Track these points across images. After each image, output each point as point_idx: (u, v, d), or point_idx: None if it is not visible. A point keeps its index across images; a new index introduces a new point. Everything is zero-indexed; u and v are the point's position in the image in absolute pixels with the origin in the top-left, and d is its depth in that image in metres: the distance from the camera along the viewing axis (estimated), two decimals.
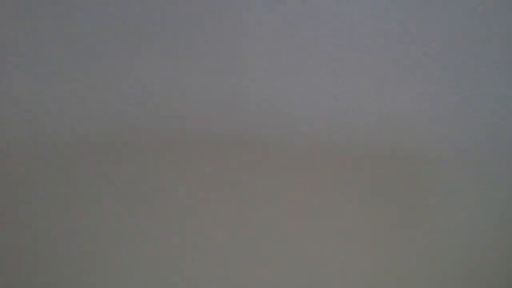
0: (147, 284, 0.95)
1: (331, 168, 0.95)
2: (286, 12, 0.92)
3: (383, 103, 0.95)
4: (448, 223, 0.98)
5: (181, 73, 0.92)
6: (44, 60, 0.90)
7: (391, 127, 0.95)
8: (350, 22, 0.93)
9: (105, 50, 0.91)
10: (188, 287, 0.96)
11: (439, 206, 0.97)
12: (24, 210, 0.92)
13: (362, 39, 0.94)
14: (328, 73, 0.94)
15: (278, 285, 0.97)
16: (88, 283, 0.94)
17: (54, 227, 0.93)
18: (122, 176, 0.93)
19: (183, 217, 0.94)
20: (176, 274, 0.95)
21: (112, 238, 0.94)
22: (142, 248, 0.95)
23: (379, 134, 0.95)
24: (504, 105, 0.97)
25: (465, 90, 0.96)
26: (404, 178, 0.96)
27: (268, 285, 0.97)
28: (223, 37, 0.92)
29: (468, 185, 0.98)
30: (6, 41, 0.89)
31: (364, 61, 0.94)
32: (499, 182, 0.98)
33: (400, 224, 0.97)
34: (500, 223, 0.99)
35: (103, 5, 0.90)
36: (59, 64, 0.90)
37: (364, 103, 0.95)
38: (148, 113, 0.92)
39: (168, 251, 0.95)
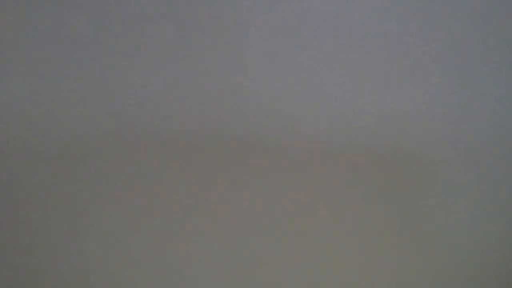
0: (147, 284, 0.95)
1: (331, 168, 0.95)
2: (286, 12, 0.92)
3: (383, 103, 0.95)
4: (448, 223, 0.98)
5: (181, 73, 0.92)
6: (44, 60, 0.90)
7: (391, 127, 0.95)
8: (350, 22, 0.93)
9: (105, 50, 0.91)
10: (188, 287, 0.96)
11: (439, 206, 0.97)
12: (24, 210, 0.92)
13: (362, 39, 0.94)
14: (328, 73, 0.94)
15: (278, 285, 0.97)
16: (88, 283, 0.94)
17: (54, 227, 0.93)
18: (122, 176, 0.93)
19: (183, 217, 0.94)
20: (176, 274, 0.95)
21: (112, 238, 0.94)
22: (142, 248, 0.95)
23: (379, 134, 0.95)
24: (504, 105, 0.97)
25: (465, 90, 0.96)
26: (404, 178, 0.96)
27: (268, 285, 0.97)
28: (223, 37, 0.92)
29: (468, 185, 0.97)
30: (6, 41, 0.89)
31: (364, 61, 0.94)
32: (499, 182, 0.98)
33: (400, 224, 0.97)
34: (500, 223, 0.99)
35: (103, 5, 0.90)
36: (59, 64, 0.90)
37: (364, 103, 0.95)
38: (148, 113, 0.92)
39: (168, 251, 0.95)
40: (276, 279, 0.97)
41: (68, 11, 0.89)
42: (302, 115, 0.94)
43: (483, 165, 0.97)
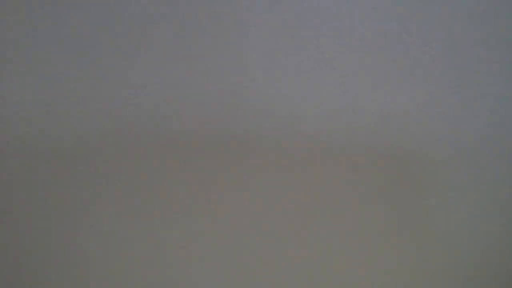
0: (147, 284, 0.95)
1: (331, 168, 0.95)
2: (286, 12, 0.92)
3: (383, 103, 0.95)
4: (448, 223, 0.98)
5: (181, 73, 0.92)
6: (44, 60, 0.90)
7: (391, 127, 0.95)
8: (350, 22, 0.93)
9: (105, 50, 0.91)
10: (188, 287, 0.96)
11: (439, 206, 0.97)
12: (24, 210, 0.92)
13: (362, 39, 0.94)
14: (328, 73, 0.94)
15: (278, 285, 0.97)
16: (88, 283, 0.94)
17: (54, 227, 0.93)
18: (122, 176, 0.93)
19: (183, 217, 0.94)
20: (176, 274, 0.95)
21: (111, 238, 0.94)
22: (142, 248, 0.95)
23: (379, 134, 0.95)
24: (504, 105, 0.97)
25: (465, 90, 0.96)
26: (404, 178, 0.96)
27: (268, 285, 0.97)
28: (223, 37, 0.92)
29: (468, 185, 0.97)
30: (6, 41, 0.89)
31: (364, 61, 0.94)
32: (499, 182, 0.98)
33: (400, 224, 0.97)
34: (500, 223, 0.99)
35: (103, 5, 0.90)
36: (59, 64, 0.90)
37: (364, 103, 0.95)
38: (148, 113, 0.92)
39: (168, 251, 0.95)
40: (276, 279, 0.97)
41: (68, 11, 0.89)
42: (302, 115, 0.94)
43: (483, 165, 0.97)
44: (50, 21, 0.89)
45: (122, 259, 0.94)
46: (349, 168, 0.95)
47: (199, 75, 0.92)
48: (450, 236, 0.98)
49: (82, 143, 0.91)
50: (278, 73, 0.93)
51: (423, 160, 0.96)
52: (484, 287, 0.99)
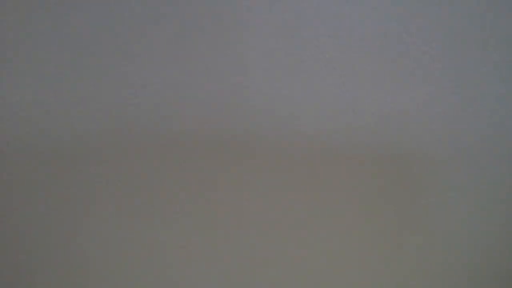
0: (147, 284, 0.95)
1: (331, 168, 0.95)
2: (286, 12, 0.92)
3: (383, 103, 0.95)
4: (448, 223, 0.98)
5: (181, 73, 0.92)
6: (44, 60, 0.90)
7: (391, 127, 0.95)
8: (350, 22, 0.93)
9: (105, 50, 0.91)
10: (188, 287, 0.96)
11: (439, 206, 0.97)
12: (24, 210, 0.92)
13: (362, 39, 0.94)
14: (328, 73, 0.94)
15: (278, 285, 0.97)
16: (88, 283, 0.94)
17: (54, 227, 0.93)
18: (122, 176, 0.93)
19: (183, 217, 0.94)
20: (176, 274, 0.95)
21: (111, 238, 0.94)
22: (142, 248, 0.95)
23: (379, 134, 0.95)
24: (504, 105, 0.97)
25: (465, 90, 0.96)
26: (404, 178, 0.96)
27: (268, 285, 0.97)
28: (223, 37, 0.92)
29: (468, 185, 0.97)
30: (6, 41, 0.89)
31: (364, 61, 0.94)
32: (499, 182, 0.98)
33: (400, 224, 0.97)
34: (500, 223, 0.99)
35: (103, 5, 0.90)
36: (59, 64, 0.90)
37: (364, 103, 0.95)
38: (148, 113, 0.92)
39: (168, 251, 0.95)
40: (276, 279, 0.97)
41: (68, 11, 0.89)
42: (302, 115, 0.94)
43: (483, 165, 0.97)
44: (50, 21, 0.89)
45: (122, 259, 0.94)
46: (349, 168, 0.95)
47: (199, 75, 0.92)
48: (450, 236, 0.98)
49: (82, 143, 0.91)
50: (278, 73, 0.93)
51: (423, 160, 0.96)
52: (484, 287, 0.99)
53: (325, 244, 0.97)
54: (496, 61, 0.96)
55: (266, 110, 0.93)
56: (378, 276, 0.98)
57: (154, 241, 0.94)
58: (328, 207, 0.96)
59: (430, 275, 0.99)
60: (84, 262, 0.94)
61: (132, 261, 0.94)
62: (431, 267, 0.99)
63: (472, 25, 0.95)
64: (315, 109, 0.94)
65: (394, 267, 0.98)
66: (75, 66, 0.90)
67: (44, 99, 0.91)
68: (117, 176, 0.93)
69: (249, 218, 0.95)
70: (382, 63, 0.94)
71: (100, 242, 0.94)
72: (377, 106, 0.95)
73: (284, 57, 0.93)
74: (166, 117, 0.92)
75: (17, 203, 0.92)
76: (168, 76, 0.92)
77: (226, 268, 0.96)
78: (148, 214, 0.94)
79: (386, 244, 0.98)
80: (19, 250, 0.93)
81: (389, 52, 0.94)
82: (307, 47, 0.93)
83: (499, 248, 0.99)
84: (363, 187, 0.96)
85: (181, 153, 0.93)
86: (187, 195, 0.94)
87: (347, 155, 0.95)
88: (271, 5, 0.92)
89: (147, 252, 0.95)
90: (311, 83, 0.94)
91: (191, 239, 0.95)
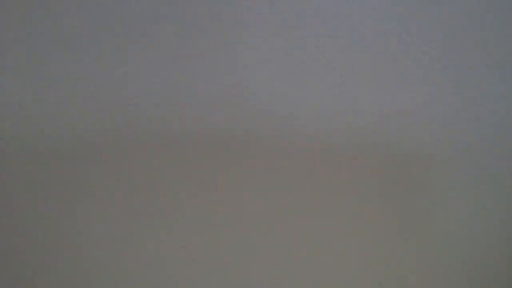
0: (147, 284, 0.95)
1: (331, 168, 0.95)
2: (286, 12, 0.92)
3: (383, 103, 0.95)
4: (448, 223, 0.98)
5: (181, 73, 0.92)
6: (44, 60, 0.90)
7: (391, 127, 0.95)
8: (350, 22, 0.93)
9: (105, 50, 0.91)
10: (188, 287, 0.96)
11: (439, 206, 0.97)
12: (24, 210, 0.92)
13: (362, 39, 0.94)
14: (328, 73, 0.94)
15: (278, 285, 0.97)
16: (88, 283, 0.94)
17: (54, 227, 0.93)
18: (122, 176, 0.93)
19: (183, 217, 0.94)
20: (176, 274, 0.95)
21: (111, 238, 0.94)
22: (142, 248, 0.95)
23: (379, 134, 0.95)
24: (504, 105, 0.97)
25: (465, 90, 0.96)
26: (404, 178, 0.96)
27: (268, 285, 0.97)
28: (223, 37, 0.92)
29: (468, 185, 0.97)
30: (6, 41, 0.89)
31: (364, 61, 0.94)
32: (499, 182, 0.98)
33: (400, 224, 0.97)
34: (500, 223, 0.99)
35: (103, 5, 0.90)
36: (59, 64, 0.90)
37: (364, 103, 0.95)
38: (148, 113, 0.92)
39: (167, 251, 0.95)
40: (276, 279, 0.97)
41: (68, 11, 0.89)
42: (302, 115, 0.94)
43: (483, 165, 0.97)
44: (50, 21, 0.89)
45: (122, 259, 0.94)
46: (349, 168, 0.95)
47: (200, 75, 0.92)
48: (450, 236, 0.98)
49: (82, 143, 0.91)
50: (278, 73, 0.93)
51: (423, 160, 0.96)
52: (484, 287, 0.99)
53: (325, 244, 0.97)
54: (496, 61, 0.96)
55: (266, 110, 0.93)
56: (378, 275, 0.98)
57: (154, 241, 0.94)
58: (328, 207, 0.96)
59: (430, 275, 0.99)
60: (84, 262, 0.94)
61: (132, 261, 0.94)
62: (431, 267, 0.99)
63: (472, 25, 0.95)
64: (315, 109, 0.94)
65: (394, 267, 0.98)
66: (75, 66, 0.90)
67: (44, 99, 0.91)
68: (117, 176, 0.92)
69: (249, 218, 0.95)
70: (382, 63, 0.94)
71: (100, 242, 0.93)
72: (377, 106, 0.95)
73: (284, 57, 0.93)
74: (166, 117, 0.92)
75: (17, 203, 0.92)
76: (168, 76, 0.92)
77: (226, 268, 0.96)
78: (148, 214, 0.94)
79: (386, 244, 0.98)
80: (19, 250, 0.93)
81: (389, 52, 0.94)
82: (307, 47, 0.93)
83: (499, 248, 0.99)
84: (363, 187, 0.96)
85: (181, 153, 0.93)
86: (187, 195, 0.94)
87: (347, 155, 0.95)
88: (271, 5, 0.92)
89: (147, 252, 0.95)
90: (311, 83, 0.94)
91: (191, 239, 0.95)
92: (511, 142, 0.97)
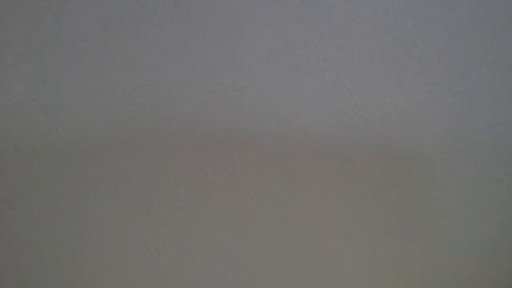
0: (147, 284, 0.95)
1: (331, 168, 0.95)
2: (286, 12, 0.92)
3: (383, 103, 0.95)
4: (447, 223, 0.98)
5: (180, 73, 0.92)
6: (44, 60, 0.90)
7: (391, 127, 0.95)
8: (350, 22, 0.93)
9: (104, 50, 0.91)
10: (188, 287, 0.96)
11: (438, 206, 0.97)
12: (24, 210, 0.92)
13: (362, 39, 0.94)
14: (328, 73, 0.94)
15: (278, 284, 0.97)
16: (88, 283, 0.94)
17: (54, 227, 0.93)
18: (122, 176, 0.93)
19: (183, 217, 0.94)
20: (176, 274, 0.95)
21: (111, 238, 0.94)
22: (142, 248, 0.95)
23: (379, 134, 0.95)
24: (504, 105, 0.97)
25: (465, 90, 0.96)
26: (404, 178, 0.96)
27: (268, 285, 0.97)
28: (222, 37, 0.92)
29: (468, 184, 0.97)
30: (6, 41, 0.89)
31: (364, 61, 0.94)
32: (499, 182, 0.98)
33: (399, 224, 0.97)
34: (500, 223, 0.99)
35: (103, 5, 0.90)
36: (59, 64, 0.90)
37: (364, 103, 0.95)
38: (148, 113, 0.92)
39: (168, 251, 0.95)
40: (276, 279, 0.97)
41: (68, 11, 0.89)
42: (302, 115, 0.94)
43: (483, 165, 0.97)
44: (50, 21, 0.89)
45: (122, 259, 0.94)
46: (349, 168, 0.95)
47: (199, 75, 0.92)
48: (449, 236, 0.98)
49: (82, 143, 0.91)
50: (278, 73, 0.93)
51: (423, 160, 0.96)
52: (484, 287, 1.00)
53: (324, 244, 0.97)
54: (496, 61, 0.96)
55: (266, 110, 0.93)
56: (378, 275, 0.98)
57: (154, 241, 0.94)
58: (328, 207, 0.96)
59: (430, 274, 0.99)
60: (84, 262, 0.94)
61: (132, 261, 0.94)
62: (430, 266, 0.99)
63: (472, 25, 0.95)
64: (315, 109, 0.94)
65: (393, 267, 0.98)
66: (75, 66, 0.90)
67: (44, 99, 0.91)
68: (117, 176, 0.93)
69: (249, 218, 0.95)
70: (382, 63, 0.94)
71: (100, 242, 0.94)
72: (377, 106, 0.95)
73: (284, 57, 0.93)
74: (166, 117, 0.92)
75: (17, 203, 0.92)
76: (168, 76, 0.92)
77: (226, 267, 0.96)
78: (148, 214, 0.94)
79: (385, 244, 0.98)
80: (19, 250, 0.93)
81: (389, 52, 0.94)
82: (307, 47, 0.93)
83: (499, 248, 0.99)
84: (363, 187, 0.96)
85: (181, 153, 0.93)
86: (187, 195, 0.94)
87: (347, 155, 0.95)
88: (271, 5, 0.92)
89: (147, 252, 0.95)
90: (311, 83, 0.94)
91: (191, 239, 0.95)
92: (511, 142, 0.97)
